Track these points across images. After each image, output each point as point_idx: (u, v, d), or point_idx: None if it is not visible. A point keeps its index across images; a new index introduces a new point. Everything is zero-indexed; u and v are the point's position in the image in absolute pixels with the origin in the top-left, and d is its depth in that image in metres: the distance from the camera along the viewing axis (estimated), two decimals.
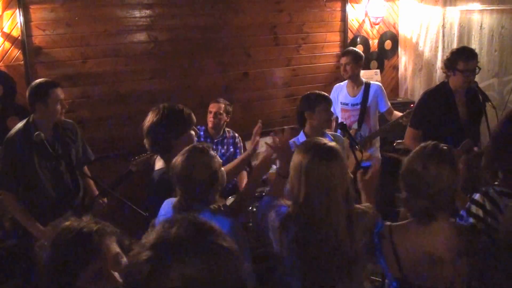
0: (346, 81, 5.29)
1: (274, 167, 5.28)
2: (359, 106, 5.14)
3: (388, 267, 2.38)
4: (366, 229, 2.38)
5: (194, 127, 3.22)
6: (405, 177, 2.35)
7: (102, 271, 1.67)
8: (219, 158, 2.67)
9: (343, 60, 5.11)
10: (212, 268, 1.17)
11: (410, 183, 2.33)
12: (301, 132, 3.96)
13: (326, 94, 3.99)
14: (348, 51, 5.18)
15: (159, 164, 3.34)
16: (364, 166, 4.99)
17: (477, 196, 2.52)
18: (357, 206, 2.44)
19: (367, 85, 5.16)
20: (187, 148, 2.63)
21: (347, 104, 5.22)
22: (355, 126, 5.14)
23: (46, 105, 3.65)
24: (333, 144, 2.40)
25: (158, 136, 3.10)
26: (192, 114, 3.23)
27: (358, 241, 2.34)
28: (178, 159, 2.56)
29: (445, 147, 2.35)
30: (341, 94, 5.29)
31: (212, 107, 4.84)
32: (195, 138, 3.25)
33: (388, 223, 2.46)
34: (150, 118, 3.17)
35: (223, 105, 4.85)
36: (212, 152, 2.63)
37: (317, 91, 3.98)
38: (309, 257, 2.32)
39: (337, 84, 5.48)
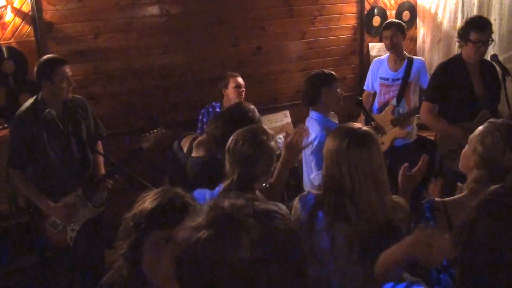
0: (387, 55, 5.16)
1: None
2: (400, 82, 5.00)
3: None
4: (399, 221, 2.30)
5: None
6: (489, 154, 2.31)
7: None
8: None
9: (387, 33, 4.93)
10: (274, 232, 1.16)
11: (493, 160, 2.30)
12: (313, 112, 3.88)
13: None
14: (391, 23, 5.00)
15: (197, 152, 3.32)
16: (400, 144, 4.97)
17: None
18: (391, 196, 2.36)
19: (410, 60, 5.01)
20: (247, 128, 2.63)
21: (387, 79, 5.07)
22: (393, 102, 5.02)
23: (52, 82, 3.63)
24: (367, 128, 2.35)
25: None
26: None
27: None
28: (240, 140, 2.55)
29: None
30: (381, 69, 5.14)
31: (236, 81, 4.75)
32: None
33: (438, 198, 2.43)
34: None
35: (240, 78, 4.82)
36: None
37: (325, 70, 3.95)
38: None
39: (377, 58, 5.33)
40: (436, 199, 2.42)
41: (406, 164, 2.71)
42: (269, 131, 2.65)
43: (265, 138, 2.57)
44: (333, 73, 3.88)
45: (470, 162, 2.39)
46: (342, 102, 3.93)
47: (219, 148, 2.99)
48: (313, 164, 3.77)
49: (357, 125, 2.38)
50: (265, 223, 1.17)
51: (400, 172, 2.70)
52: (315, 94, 3.84)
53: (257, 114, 3.21)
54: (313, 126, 3.74)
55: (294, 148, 2.88)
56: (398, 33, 4.90)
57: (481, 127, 2.39)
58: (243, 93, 4.77)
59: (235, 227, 1.16)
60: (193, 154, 3.36)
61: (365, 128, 2.34)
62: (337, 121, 4.04)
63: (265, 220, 1.18)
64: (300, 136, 2.90)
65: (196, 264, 1.16)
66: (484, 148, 2.31)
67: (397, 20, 5.13)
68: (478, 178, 2.35)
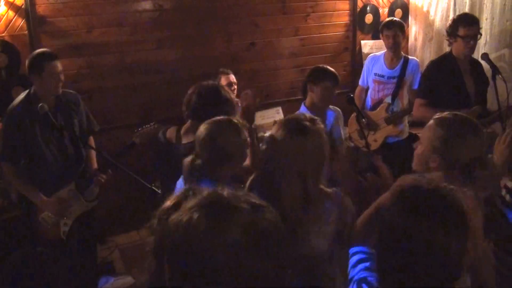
0: (383, 52, 5.18)
1: None
2: (395, 80, 5.03)
3: None
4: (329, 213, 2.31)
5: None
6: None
7: None
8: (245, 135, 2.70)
9: (390, 33, 4.92)
10: (264, 221, 1.22)
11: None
12: (303, 105, 3.91)
13: (336, 73, 3.90)
14: (393, 23, 4.96)
15: (187, 138, 3.35)
16: (392, 141, 5.02)
17: None
18: (324, 188, 2.38)
19: (406, 59, 5.04)
20: (214, 118, 2.67)
21: (383, 76, 5.09)
22: (388, 99, 5.05)
23: (41, 78, 3.62)
24: (309, 122, 2.33)
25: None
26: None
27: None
28: (203, 127, 2.60)
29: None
30: (376, 65, 5.16)
31: (228, 79, 4.79)
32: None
33: None
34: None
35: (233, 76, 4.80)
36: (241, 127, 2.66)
37: (328, 67, 3.92)
38: None
39: (372, 54, 5.34)
40: None
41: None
42: (239, 120, 2.70)
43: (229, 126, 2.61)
44: (330, 72, 3.85)
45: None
46: (334, 99, 3.94)
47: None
48: None
49: (302, 116, 2.40)
50: (257, 212, 1.22)
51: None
52: (303, 88, 3.90)
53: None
54: None
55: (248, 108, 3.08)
56: (399, 33, 4.92)
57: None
58: (235, 91, 4.79)
59: (228, 209, 1.21)
60: (183, 141, 3.37)
61: (308, 120, 2.34)
62: (335, 112, 4.06)
63: (257, 210, 1.23)
64: (249, 97, 3.13)
65: (186, 245, 1.18)
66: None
67: (398, 20, 5.12)
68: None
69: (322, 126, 2.34)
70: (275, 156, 2.29)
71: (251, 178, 2.46)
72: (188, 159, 2.61)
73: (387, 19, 5.22)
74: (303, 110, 3.87)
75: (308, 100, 3.90)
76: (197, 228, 1.17)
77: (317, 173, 2.28)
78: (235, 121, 2.67)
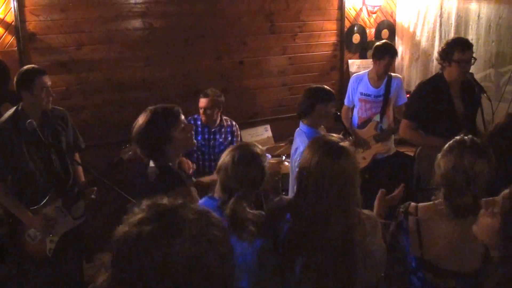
0: (366, 71, 5.25)
1: (269, 157, 5.31)
2: (381, 98, 5.11)
3: (410, 243, 2.39)
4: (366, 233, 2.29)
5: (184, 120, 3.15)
6: (448, 172, 2.32)
7: None
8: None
9: (390, 60, 5.01)
10: (211, 228, 1.26)
11: (452, 179, 2.30)
12: (303, 125, 3.91)
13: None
14: (390, 50, 5.01)
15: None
16: (380, 158, 5.08)
17: None
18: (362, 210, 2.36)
19: (389, 77, 5.13)
20: (236, 146, 2.63)
21: (369, 95, 5.16)
22: (376, 118, 5.13)
23: (31, 93, 3.63)
24: (344, 143, 2.32)
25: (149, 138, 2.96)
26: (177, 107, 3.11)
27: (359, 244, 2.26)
28: (233, 159, 2.47)
29: (481, 143, 2.35)
30: (361, 85, 5.22)
31: (201, 103, 4.76)
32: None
33: (413, 203, 2.48)
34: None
35: (211, 99, 4.72)
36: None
37: (326, 87, 3.97)
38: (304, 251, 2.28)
39: (356, 74, 5.41)
40: (412, 203, 2.48)
41: (383, 190, 2.77)
42: (260, 148, 2.60)
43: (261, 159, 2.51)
44: (332, 92, 3.91)
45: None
46: None
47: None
48: None
49: (334, 137, 2.36)
50: (204, 220, 1.26)
51: (377, 196, 2.75)
52: (308, 108, 3.85)
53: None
54: (301, 139, 3.79)
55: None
56: (394, 60, 5.10)
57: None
58: (212, 114, 4.75)
59: (178, 220, 1.23)
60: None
61: (340, 141, 2.32)
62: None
63: (203, 217, 1.27)
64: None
65: (136, 258, 1.19)
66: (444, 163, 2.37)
67: (392, 46, 5.19)
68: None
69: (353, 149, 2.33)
70: (316, 182, 2.22)
71: (283, 203, 2.43)
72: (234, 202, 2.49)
73: (384, 43, 5.18)
74: (303, 128, 3.88)
75: (310, 119, 3.87)
76: (147, 243, 1.19)
77: (356, 195, 2.26)
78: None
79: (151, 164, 3.11)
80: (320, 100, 3.83)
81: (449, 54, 4.08)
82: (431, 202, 2.46)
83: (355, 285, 2.24)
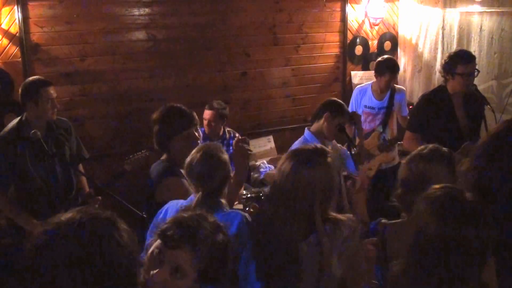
0: (369, 83, 5.28)
1: (272, 168, 5.30)
2: (384, 110, 5.15)
3: (377, 256, 2.42)
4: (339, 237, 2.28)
5: (197, 127, 3.32)
6: (403, 174, 2.42)
7: None
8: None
9: (387, 75, 5.02)
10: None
11: (406, 180, 2.39)
12: (307, 130, 3.94)
13: None
14: (391, 67, 5.03)
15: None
16: (385, 168, 5.08)
17: None
18: (334, 214, 2.34)
19: (393, 89, 5.16)
20: (201, 146, 2.72)
21: (373, 108, 5.19)
22: (379, 128, 5.16)
23: (36, 104, 3.64)
24: (318, 154, 2.30)
25: (157, 133, 3.30)
26: (194, 114, 3.31)
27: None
28: (195, 158, 2.60)
29: (446, 149, 2.40)
30: (365, 97, 5.25)
31: (206, 115, 4.77)
32: (199, 138, 3.31)
33: (384, 220, 2.50)
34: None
35: (216, 112, 4.76)
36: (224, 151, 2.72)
37: (342, 103, 4.01)
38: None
39: (359, 86, 5.43)
40: (382, 220, 2.50)
41: (349, 181, 2.83)
42: (218, 145, 2.76)
43: (217, 152, 2.64)
44: (347, 111, 3.98)
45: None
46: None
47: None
48: None
49: (311, 147, 2.37)
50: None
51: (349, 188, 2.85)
52: (318, 114, 3.91)
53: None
54: (298, 143, 3.81)
55: (241, 151, 3.04)
56: (396, 76, 5.12)
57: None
58: (216, 126, 4.81)
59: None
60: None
61: (319, 151, 2.32)
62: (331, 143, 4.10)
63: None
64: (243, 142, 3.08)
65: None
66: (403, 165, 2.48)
67: (395, 63, 5.19)
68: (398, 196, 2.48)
69: (331, 159, 2.30)
70: (282, 188, 2.25)
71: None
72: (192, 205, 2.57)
73: (386, 60, 5.16)
74: (307, 135, 3.89)
75: (315, 128, 3.91)
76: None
77: (325, 205, 2.25)
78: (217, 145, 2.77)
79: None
80: (330, 111, 3.86)
81: (452, 67, 4.07)
82: (399, 220, 2.47)
83: None
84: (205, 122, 4.77)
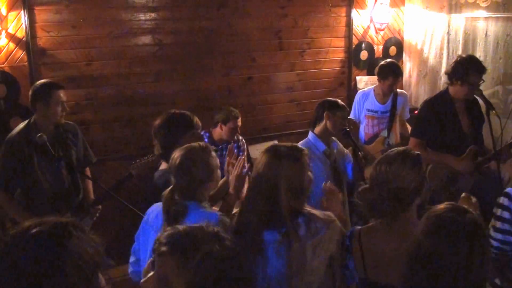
0: (372, 87, 5.29)
1: None
2: (388, 114, 5.16)
3: (355, 267, 2.42)
4: (314, 234, 2.35)
5: (197, 130, 3.30)
6: (370, 173, 2.46)
7: None
8: (217, 159, 2.78)
9: (390, 79, 5.05)
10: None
11: (371, 179, 2.42)
12: (311, 132, 3.94)
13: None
14: (394, 71, 5.07)
15: (163, 166, 3.36)
16: None
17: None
18: (312, 211, 2.42)
19: (395, 93, 5.19)
20: (187, 145, 2.74)
21: (376, 112, 5.21)
22: (384, 133, 5.16)
23: (47, 106, 3.65)
24: (287, 148, 2.43)
25: (161, 138, 3.25)
26: (196, 119, 3.30)
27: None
28: (177, 153, 2.66)
29: (414, 153, 2.41)
30: (368, 101, 5.27)
31: (238, 122, 4.80)
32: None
33: (358, 227, 2.52)
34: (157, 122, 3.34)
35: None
36: (213, 152, 2.75)
37: (337, 100, 4.00)
38: None
39: (361, 90, 5.45)
40: (357, 227, 2.52)
41: (326, 184, 2.84)
42: (206, 144, 2.79)
43: (201, 151, 2.68)
44: (343, 104, 3.93)
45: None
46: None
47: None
48: None
49: (289, 143, 2.53)
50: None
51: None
52: (318, 116, 3.91)
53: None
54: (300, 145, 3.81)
55: (239, 178, 3.02)
56: (398, 80, 5.14)
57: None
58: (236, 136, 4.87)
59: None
60: (160, 167, 3.42)
61: (293, 146, 2.46)
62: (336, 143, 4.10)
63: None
64: (242, 165, 3.05)
65: None
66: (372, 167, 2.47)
67: (398, 67, 5.19)
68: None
69: (302, 154, 2.41)
70: (254, 179, 2.40)
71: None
72: (167, 191, 2.66)
73: (389, 64, 5.19)
74: (311, 137, 3.90)
75: (318, 129, 3.90)
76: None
77: (295, 199, 2.33)
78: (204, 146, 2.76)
79: (162, 166, 3.26)
80: (328, 108, 3.87)
81: (464, 74, 4.01)
82: (371, 224, 2.49)
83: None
84: (232, 131, 4.79)
